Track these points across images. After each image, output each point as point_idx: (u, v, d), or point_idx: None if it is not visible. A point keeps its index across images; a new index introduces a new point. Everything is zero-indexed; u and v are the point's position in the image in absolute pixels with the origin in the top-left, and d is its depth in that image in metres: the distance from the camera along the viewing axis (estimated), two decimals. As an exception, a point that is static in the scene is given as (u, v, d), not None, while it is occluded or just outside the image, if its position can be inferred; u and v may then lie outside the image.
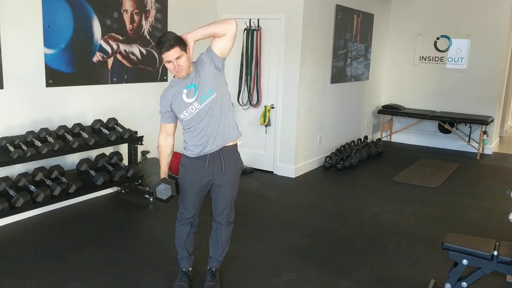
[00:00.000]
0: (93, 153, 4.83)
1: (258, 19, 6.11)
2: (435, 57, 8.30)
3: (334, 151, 7.07)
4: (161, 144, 3.15)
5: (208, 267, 3.29)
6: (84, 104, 4.83)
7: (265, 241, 4.09)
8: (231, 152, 3.09)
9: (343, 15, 6.81)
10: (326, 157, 6.75)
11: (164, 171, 3.18)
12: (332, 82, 6.82)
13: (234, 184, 3.15)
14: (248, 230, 4.30)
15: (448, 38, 8.13)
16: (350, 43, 7.16)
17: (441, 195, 5.63)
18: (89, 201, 4.85)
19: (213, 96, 2.92)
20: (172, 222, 4.47)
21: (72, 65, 4.61)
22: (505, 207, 5.23)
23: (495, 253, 2.97)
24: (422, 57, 8.42)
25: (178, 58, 2.77)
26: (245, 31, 6.18)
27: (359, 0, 7.26)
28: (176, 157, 5.79)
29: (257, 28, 6.11)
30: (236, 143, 3.12)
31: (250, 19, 6.16)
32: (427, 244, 4.15)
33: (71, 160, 4.72)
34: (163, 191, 3.06)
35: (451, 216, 4.92)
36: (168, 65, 2.84)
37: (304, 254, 3.88)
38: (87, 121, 4.82)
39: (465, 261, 3.03)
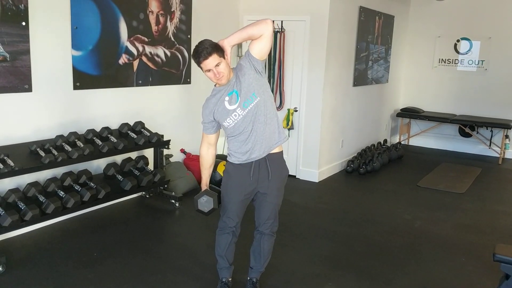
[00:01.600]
0: (118, 157, 4.74)
1: (282, 21, 6.01)
2: (455, 59, 8.20)
3: (356, 155, 6.97)
4: (203, 155, 3.06)
5: (248, 278, 3.19)
6: (109, 106, 4.73)
7: (300, 250, 3.99)
8: (277, 159, 2.99)
9: (366, 17, 6.71)
10: (348, 161, 6.65)
11: (205, 183, 3.10)
12: (354, 85, 6.72)
13: (279, 193, 3.05)
14: (281, 238, 4.16)
15: (469, 40, 8.03)
16: (371, 45, 7.06)
17: (469, 201, 5.52)
18: (115, 206, 4.76)
19: (256, 100, 2.83)
20: (200, 228, 4.42)
21: (98, 67, 4.52)
22: (538, 214, 5.15)
23: (551, 265, 2.87)
24: (442, 59, 8.31)
25: (217, 65, 2.70)
26: (268, 33, 6.07)
27: (381, 1, 7.16)
28: (199, 161, 5.72)
29: (280, 29, 6.01)
30: (282, 150, 3.03)
31: (273, 21, 6.04)
32: (465, 253, 4.04)
33: (97, 164, 4.62)
34: (205, 204, 2.98)
35: (483, 223, 4.81)
36: (208, 74, 2.76)
37: (341, 263, 3.77)
38: (112, 124, 4.73)
39: (518, 273, 2.94)
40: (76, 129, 4.33)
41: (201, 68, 2.75)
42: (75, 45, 4.28)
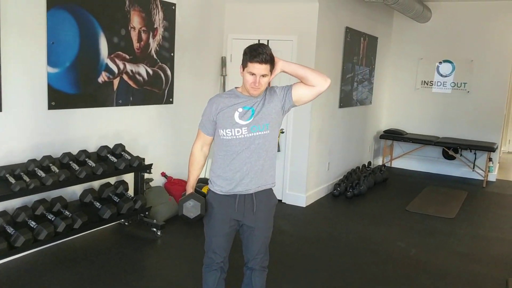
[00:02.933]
0: (95, 182, 4.39)
1: (268, 40, 5.83)
2: (438, 81, 8.18)
3: (342, 177, 6.78)
4: (195, 152, 2.77)
5: (243, 318, 2.90)
6: (87, 128, 4.40)
7: (294, 283, 3.71)
8: (264, 191, 2.73)
9: (352, 38, 6.60)
10: (335, 184, 6.44)
11: (192, 185, 2.80)
12: (340, 106, 6.57)
13: (267, 225, 2.79)
14: (272, 270, 3.87)
15: (451, 62, 8.03)
16: (357, 67, 6.95)
17: (460, 227, 5.37)
18: (91, 235, 4.38)
19: (265, 132, 2.60)
20: (186, 259, 4.09)
21: (76, 85, 4.20)
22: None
23: None
24: (424, 81, 8.28)
25: (263, 76, 2.49)
26: (254, 52, 5.88)
27: (365, 22, 7.08)
28: (181, 185, 5.42)
29: (266, 49, 5.81)
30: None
31: (259, 40, 5.87)
32: (466, 285, 3.85)
33: (72, 190, 4.26)
34: (192, 209, 2.66)
35: (478, 251, 4.65)
36: (248, 76, 2.51)
37: (339, 298, 3.52)
38: (90, 147, 4.39)
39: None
40: (51, 152, 3.97)
41: (246, 66, 2.50)
42: (51, 62, 3.96)
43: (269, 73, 2.51)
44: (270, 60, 2.48)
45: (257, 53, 2.46)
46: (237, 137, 2.58)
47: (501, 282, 3.90)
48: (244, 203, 2.65)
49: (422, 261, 4.32)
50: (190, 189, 2.77)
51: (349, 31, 6.47)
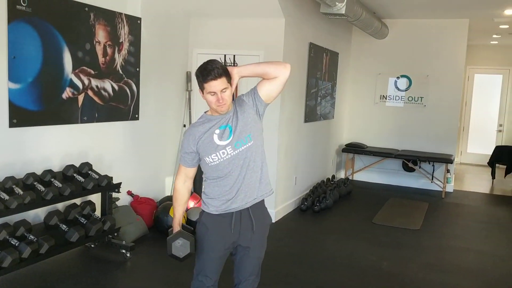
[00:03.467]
0: (60, 203, 4.16)
1: (234, 55, 5.81)
2: (396, 96, 8.42)
3: (308, 191, 6.80)
4: (178, 188, 2.66)
5: None
6: (51, 146, 4.19)
7: (273, 302, 3.65)
8: (260, 207, 2.68)
9: (315, 53, 6.69)
10: (302, 198, 6.45)
11: (178, 222, 2.67)
12: (305, 121, 6.62)
13: (262, 245, 2.73)
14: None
15: (408, 77, 8.29)
16: (320, 82, 7.04)
17: (427, 238, 5.49)
18: (56, 259, 4.11)
19: (249, 144, 2.53)
20: (158, 282, 3.94)
21: (39, 102, 4.00)
22: (492, 249, 5.20)
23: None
24: (383, 95, 8.50)
25: (223, 90, 2.40)
26: (220, 67, 5.83)
27: (327, 38, 7.20)
28: (149, 203, 5.26)
29: (233, 64, 5.79)
30: (264, 198, 2.72)
31: (225, 55, 5.85)
32: (440, 296, 3.92)
33: (35, 212, 4.03)
34: (181, 248, 2.54)
35: (447, 261, 4.75)
36: (209, 97, 2.43)
37: (320, 315, 3.48)
38: (55, 166, 4.18)
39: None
40: (13, 173, 3.74)
41: (203, 88, 2.42)
42: (12, 77, 3.75)
43: (229, 85, 2.44)
44: (223, 73, 2.41)
45: (208, 71, 2.38)
46: (224, 158, 2.51)
47: (472, 292, 4.00)
48: (241, 221, 2.57)
49: (395, 274, 4.36)
50: (177, 226, 2.64)
51: (312, 47, 6.55)
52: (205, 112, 2.60)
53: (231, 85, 2.45)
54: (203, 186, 2.68)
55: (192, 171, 2.65)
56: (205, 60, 2.45)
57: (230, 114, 2.52)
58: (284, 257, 4.66)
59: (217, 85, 2.38)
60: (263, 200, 2.70)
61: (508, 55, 10.69)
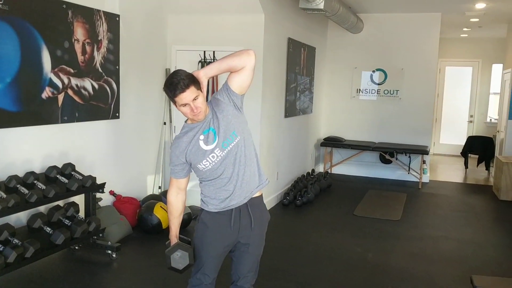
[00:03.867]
0: (43, 206, 4.07)
1: (214, 51, 5.78)
2: (372, 89, 8.54)
3: (290, 186, 6.85)
4: (171, 201, 2.63)
5: None
6: (31, 147, 4.09)
7: (264, 297, 3.67)
8: (259, 203, 2.67)
9: (294, 48, 6.72)
10: (284, 193, 6.50)
11: (175, 234, 2.65)
12: (286, 116, 6.65)
13: (262, 241, 2.73)
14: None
15: (384, 71, 8.42)
16: (299, 77, 7.08)
17: (408, 228, 5.61)
18: (41, 263, 4.00)
19: (236, 140, 2.52)
20: (145, 281, 3.91)
21: (18, 102, 3.89)
22: (470, 237, 5.35)
23: (532, 294, 2.89)
24: (359, 89, 8.61)
25: (195, 99, 2.36)
26: (200, 63, 5.81)
27: (305, 33, 7.24)
28: (132, 203, 5.20)
29: (213, 60, 5.76)
30: (262, 194, 2.72)
31: (204, 51, 5.81)
32: (425, 285, 4.01)
33: (16, 216, 3.92)
34: (180, 260, 2.54)
35: (429, 251, 4.87)
36: (183, 109, 2.39)
37: (311, 308, 3.52)
38: (35, 168, 4.08)
39: (499, 305, 2.92)
40: (-6, 176, 3.65)
41: (175, 102, 2.38)
42: (-10, 77, 3.64)
43: (199, 92, 2.39)
44: (190, 82, 2.35)
45: (174, 85, 2.33)
46: (215, 161, 2.49)
47: (457, 280, 4.11)
48: (240, 218, 2.57)
49: (380, 264, 4.44)
50: (174, 238, 2.62)
51: (291, 42, 6.58)
52: (185, 122, 2.56)
53: (201, 91, 2.40)
54: (200, 187, 2.66)
55: (184, 182, 2.62)
56: (166, 79, 2.40)
57: (209, 117, 2.49)
58: (270, 252, 4.63)
59: (187, 96, 2.33)
60: (261, 196, 2.70)
61: (478, 47, 10.99)
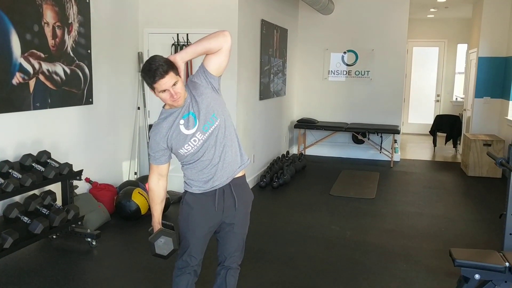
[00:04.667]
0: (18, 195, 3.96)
1: (187, 34, 5.69)
2: (343, 71, 8.62)
3: (266, 168, 6.88)
4: (153, 188, 2.60)
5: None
6: (3, 135, 3.95)
7: (248, 278, 3.69)
8: (241, 184, 2.69)
9: (267, 30, 6.69)
10: (261, 176, 6.53)
11: (158, 220, 2.62)
12: (260, 98, 6.65)
13: (246, 221, 2.75)
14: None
15: (355, 52, 8.50)
16: (272, 59, 7.07)
17: (382, 206, 5.75)
18: (18, 254, 3.93)
19: (216, 122, 2.50)
20: (128, 267, 3.88)
21: (-12, 89, 3.75)
22: (443, 212, 5.53)
23: (507, 264, 3.01)
24: (331, 71, 8.68)
25: (174, 84, 2.32)
26: (173, 46, 5.71)
27: (276, 15, 7.21)
28: (109, 189, 5.12)
29: (186, 43, 5.68)
30: (245, 173, 2.73)
31: (178, 34, 5.72)
32: (402, 259, 4.14)
33: (-10, 206, 3.82)
34: (164, 246, 2.52)
35: (404, 227, 5.01)
36: (162, 95, 2.35)
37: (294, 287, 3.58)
38: (8, 156, 3.96)
39: (477, 276, 3.01)
40: (-34, 166, 3.52)
41: (154, 89, 2.34)
42: (-43, 63, 3.49)
43: (178, 77, 2.36)
44: (169, 68, 2.31)
45: (153, 71, 2.28)
46: (197, 145, 2.48)
47: (433, 253, 4.25)
48: (224, 199, 2.57)
49: (359, 241, 4.55)
50: (157, 225, 2.59)
51: (264, 24, 6.55)
52: (163, 107, 2.53)
53: (179, 76, 2.37)
54: (182, 170, 2.64)
55: (165, 168, 2.58)
56: (143, 65, 2.35)
57: (187, 101, 2.46)
58: (252, 234, 4.65)
59: (166, 82, 2.30)
60: (244, 176, 2.71)
61: (444, 28, 11.22)
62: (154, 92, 2.38)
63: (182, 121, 2.46)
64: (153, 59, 2.33)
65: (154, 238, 2.52)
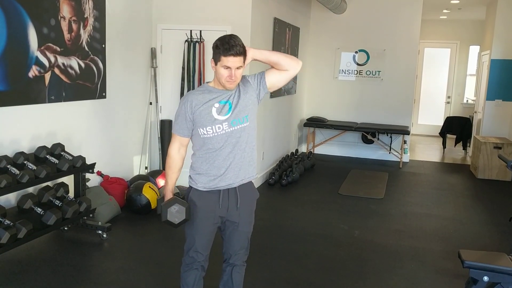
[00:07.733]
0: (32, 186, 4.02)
1: (201, 31, 5.73)
2: (354, 70, 8.62)
3: (275, 166, 6.91)
4: (172, 155, 2.62)
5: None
6: (19, 127, 4.02)
7: (258, 274, 3.72)
8: (246, 184, 2.70)
9: (279, 28, 6.71)
10: (270, 173, 6.56)
11: (171, 189, 2.67)
12: (271, 96, 6.67)
13: (251, 219, 2.77)
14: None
15: (366, 52, 8.49)
16: (283, 57, 7.07)
17: (391, 206, 5.75)
18: (31, 244, 3.98)
19: (245, 124, 2.55)
20: (139, 261, 3.93)
21: (5, 81, 3.81)
22: (451, 214, 5.53)
23: (516, 267, 3.01)
24: (342, 70, 8.68)
25: (238, 68, 2.42)
26: (186, 43, 5.75)
27: (289, 13, 7.23)
28: (120, 183, 5.17)
29: (199, 40, 5.71)
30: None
31: (191, 30, 5.75)
32: (411, 260, 4.15)
33: (5, 196, 3.86)
34: (176, 214, 2.53)
35: (413, 228, 5.02)
36: (222, 71, 2.42)
37: (302, 284, 3.60)
38: (23, 148, 4.02)
39: (485, 278, 3.02)
40: (-18, 156, 3.58)
41: (219, 60, 2.40)
42: (-24, 55, 3.55)
43: (243, 65, 2.46)
44: (244, 51, 2.44)
45: (230, 46, 2.38)
46: (219, 133, 2.51)
47: (440, 254, 4.26)
48: (228, 198, 2.60)
49: (367, 241, 4.57)
50: (169, 193, 2.64)
51: (277, 22, 6.57)
52: (207, 83, 2.58)
53: (244, 64, 2.46)
54: (191, 161, 2.67)
55: (186, 140, 2.63)
56: (221, 36, 2.45)
57: (232, 91, 2.52)
58: (259, 231, 4.73)
59: (235, 61, 2.38)
60: (250, 182, 2.74)
61: (456, 29, 11.16)
62: (215, 64, 2.44)
63: (217, 105, 2.50)
64: (235, 37, 2.43)
65: (168, 205, 2.53)
